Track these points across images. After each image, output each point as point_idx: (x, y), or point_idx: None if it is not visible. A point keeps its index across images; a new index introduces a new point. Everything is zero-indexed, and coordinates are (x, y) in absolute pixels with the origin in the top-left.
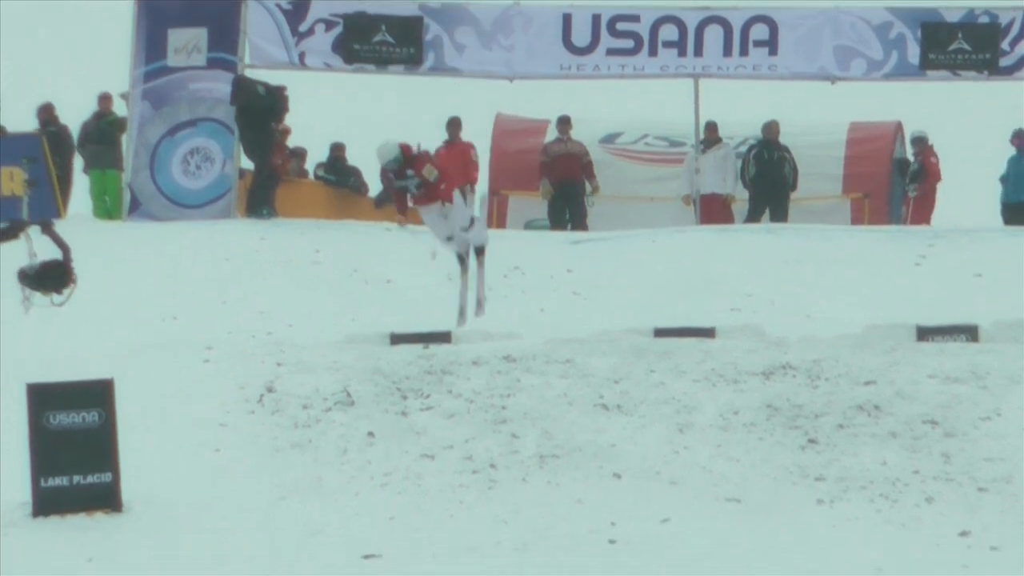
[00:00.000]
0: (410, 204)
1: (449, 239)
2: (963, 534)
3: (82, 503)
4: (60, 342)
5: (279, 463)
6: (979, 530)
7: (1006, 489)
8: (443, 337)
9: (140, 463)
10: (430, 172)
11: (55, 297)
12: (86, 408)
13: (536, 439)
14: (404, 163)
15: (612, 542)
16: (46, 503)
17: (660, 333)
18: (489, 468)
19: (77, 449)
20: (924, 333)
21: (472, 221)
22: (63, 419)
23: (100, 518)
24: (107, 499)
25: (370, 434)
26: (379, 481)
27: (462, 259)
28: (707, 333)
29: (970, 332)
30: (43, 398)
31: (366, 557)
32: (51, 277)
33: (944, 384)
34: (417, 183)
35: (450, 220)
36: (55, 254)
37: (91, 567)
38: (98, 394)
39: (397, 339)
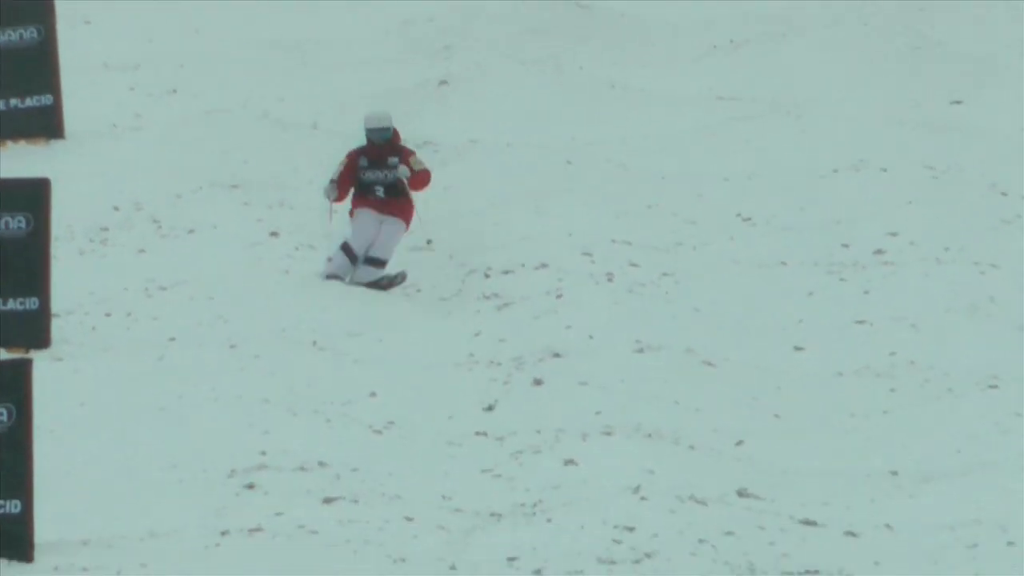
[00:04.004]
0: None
1: (351, 255)
2: None
3: None
4: None
5: None
6: None
7: None
8: None
9: None
10: (417, 162)
11: None
12: None
13: None
14: (387, 148)
15: None
16: None
17: None
18: None
19: None
20: None
21: (381, 261)
22: None
23: None
24: None
25: None
26: None
27: (348, 253)
28: None
29: None
30: None
31: None
32: None
33: None
34: (394, 178)
35: (381, 231)
36: None
37: None
38: None
39: None
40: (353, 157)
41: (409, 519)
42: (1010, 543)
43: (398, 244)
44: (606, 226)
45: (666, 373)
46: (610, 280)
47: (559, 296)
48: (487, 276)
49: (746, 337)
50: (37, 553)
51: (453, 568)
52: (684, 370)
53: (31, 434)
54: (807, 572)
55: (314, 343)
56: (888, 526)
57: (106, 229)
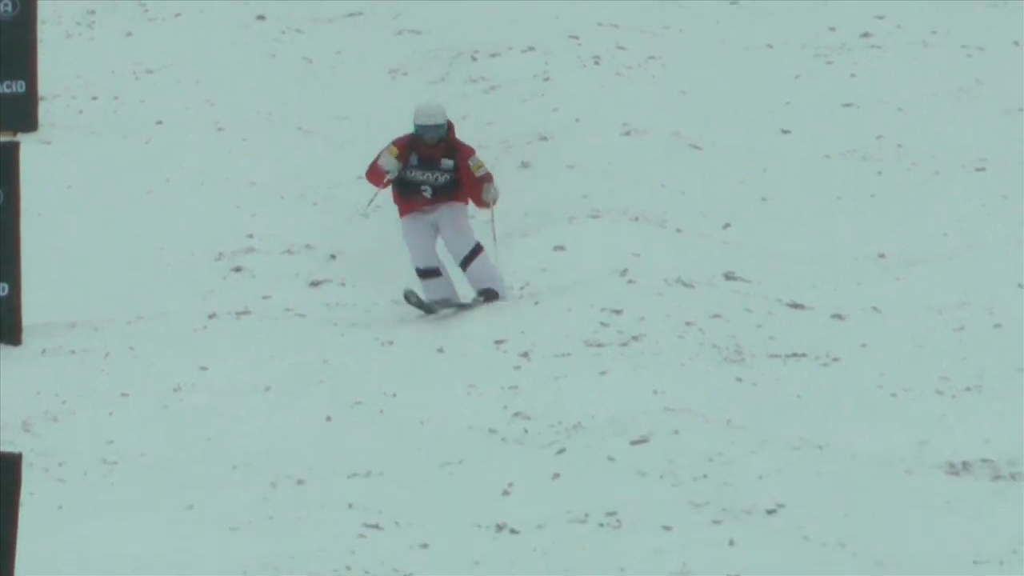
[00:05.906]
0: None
1: (432, 272)
2: None
3: None
4: None
5: None
6: None
7: None
8: None
9: None
10: (477, 166)
11: None
12: None
13: None
14: (441, 147)
15: None
16: None
17: None
18: None
19: None
20: None
21: (474, 251)
22: None
23: None
24: None
25: None
26: None
27: (429, 309)
28: None
29: None
30: None
31: None
32: None
33: None
34: (445, 180)
35: (443, 235)
36: None
37: None
38: None
39: None
40: (402, 149)
41: (396, 301)
42: (996, 325)
43: (468, 222)
44: (592, 8)
45: (653, 156)
46: (597, 63)
47: (546, 79)
48: (474, 59)
49: (733, 120)
50: (25, 336)
51: (440, 351)
52: (671, 153)
53: (19, 217)
54: (794, 355)
55: (299, 128)
56: (875, 309)
57: (93, 12)
